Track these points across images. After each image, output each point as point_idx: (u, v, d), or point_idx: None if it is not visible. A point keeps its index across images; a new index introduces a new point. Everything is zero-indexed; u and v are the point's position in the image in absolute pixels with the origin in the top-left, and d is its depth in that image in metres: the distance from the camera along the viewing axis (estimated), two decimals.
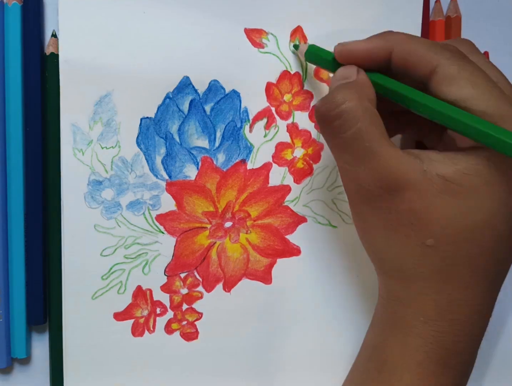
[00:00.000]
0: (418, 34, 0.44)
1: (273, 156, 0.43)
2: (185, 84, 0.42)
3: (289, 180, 0.43)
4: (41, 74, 0.42)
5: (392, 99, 0.34)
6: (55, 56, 0.41)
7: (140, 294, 0.42)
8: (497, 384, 0.49)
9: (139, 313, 0.43)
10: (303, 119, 0.43)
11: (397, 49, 0.34)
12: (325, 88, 0.43)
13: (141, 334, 0.43)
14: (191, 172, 0.42)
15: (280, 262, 0.44)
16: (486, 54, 0.46)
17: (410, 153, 0.33)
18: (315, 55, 0.39)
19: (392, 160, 0.32)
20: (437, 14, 0.45)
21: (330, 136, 0.34)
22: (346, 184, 0.35)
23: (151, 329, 0.43)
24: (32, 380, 0.44)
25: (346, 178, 0.35)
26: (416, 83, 0.34)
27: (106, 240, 0.42)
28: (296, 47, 0.42)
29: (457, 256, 0.33)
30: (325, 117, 0.33)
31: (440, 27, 0.45)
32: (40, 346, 0.44)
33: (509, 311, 0.49)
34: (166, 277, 0.43)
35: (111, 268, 0.42)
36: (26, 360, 0.44)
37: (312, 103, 0.43)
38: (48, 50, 0.41)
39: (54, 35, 0.41)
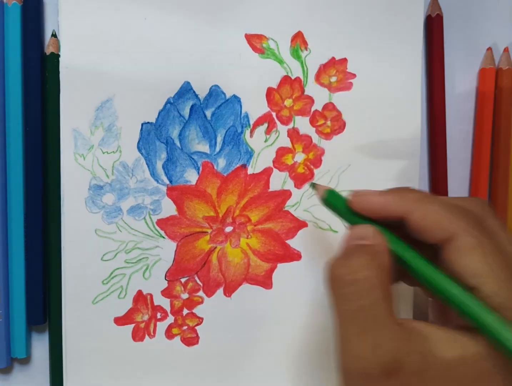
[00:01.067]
0: (420, 36, 0.44)
1: (273, 161, 0.43)
2: (186, 89, 0.42)
3: (289, 185, 0.43)
4: (41, 74, 0.42)
5: (403, 266, 0.33)
6: (55, 56, 0.41)
7: (141, 298, 0.42)
8: None
9: (139, 317, 0.43)
10: (303, 124, 0.43)
11: (412, 209, 0.33)
12: (325, 94, 0.43)
13: (141, 339, 0.43)
14: (191, 177, 0.42)
15: (281, 266, 0.44)
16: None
17: (412, 331, 0.31)
18: (331, 203, 0.36)
19: (396, 341, 0.30)
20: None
21: (340, 301, 0.32)
22: (342, 356, 0.32)
23: (152, 333, 0.43)
24: (32, 380, 0.44)
25: (344, 349, 0.32)
26: (428, 244, 0.33)
27: (106, 244, 0.42)
28: (313, 185, 0.38)
29: None
30: (338, 280, 0.32)
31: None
32: (40, 346, 0.44)
33: None
34: (166, 281, 0.43)
35: (111, 273, 0.42)
36: (26, 360, 0.44)
37: (313, 108, 0.43)
38: (48, 50, 0.41)
39: (54, 35, 0.41)
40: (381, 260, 0.32)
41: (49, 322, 0.43)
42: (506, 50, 0.46)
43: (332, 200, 0.36)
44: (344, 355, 0.32)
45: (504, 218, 0.46)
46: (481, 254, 0.31)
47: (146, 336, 0.43)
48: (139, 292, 0.42)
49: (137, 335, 0.43)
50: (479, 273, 0.31)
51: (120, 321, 0.42)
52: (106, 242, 0.42)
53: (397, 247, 0.33)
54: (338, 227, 0.44)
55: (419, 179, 0.44)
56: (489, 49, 0.46)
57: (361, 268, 0.31)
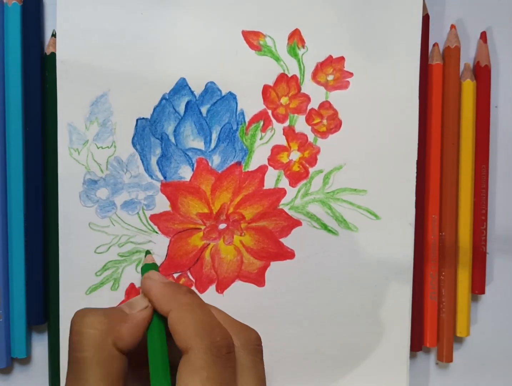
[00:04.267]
0: (418, 36, 0.43)
1: (268, 159, 0.43)
2: (182, 86, 0.42)
3: (284, 183, 0.43)
4: (41, 74, 0.42)
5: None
6: (55, 56, 0.41)
7: (133, 291, 0.43)
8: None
9: None
10: (299, 123, 0.43)
11: (171, 310, 0.35)
12: (322, 92, 0.43)
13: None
14: (186, 173, 0.42)
15: (274, 265, 0.44)
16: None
17: None
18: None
19: None
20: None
21: (70, 344, 0.34)
22: None
23: None
24: (31, 380, 0.45)
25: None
26: None
27: (100, 237, 0.42)
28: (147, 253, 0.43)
29: None
30: (70, 326, 0.34)
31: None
32: (40, 346, 0.45)
33: None
34: None
35: (104, 265, 0.42)
36: (26, 360, 0.45)
37: (309, 107, 0.43)
38: (49, 50, 0.42)
39: (54, 35, 0.42)
40: (126, 329, 0.34)
41: (48, 322, 0.44)
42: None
43: (142, 272, 0.39)
44: None
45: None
46: (203, 377, 0.32)
47: None
48: (132, 285, 0.43)
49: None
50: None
51: None
52: (99, 235, 0.42)
53: (151, 335, 0.35)
54: (332, 226, 0.44)
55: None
56: (436, 44, 0.45)
57: (92, 325, 0.33)
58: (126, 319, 0.35)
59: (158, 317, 0.36)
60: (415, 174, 0.44)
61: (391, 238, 0.44)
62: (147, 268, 0.39)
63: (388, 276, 0.44)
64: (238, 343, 0.35)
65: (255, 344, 0.36)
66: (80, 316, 0.34)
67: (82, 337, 0.33)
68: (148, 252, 0.42)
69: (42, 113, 0.42)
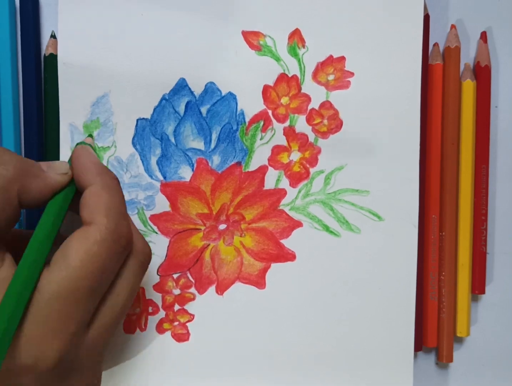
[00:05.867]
0: (419, 36, 0.43)
1: (269, 160, 0.43)
2: (182, 86, 0.42)
3: (285, 184, 0.43)
4: (38, 75, 0.42)
5: None
6: (54, 57, 0.41)
7: None
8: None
9: (131, 310, 0.43)
10: (300, 123, 0.43)
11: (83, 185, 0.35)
12: (323, 92, 0.43)
13: (132, 331, 0.43)
14: (186, 173, 0.42)
15: (275, 266, 0.43)
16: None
17: None
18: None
19: None
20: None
21: None
22: None
23: (143, 327, 0.43)
24: None
25: None
26: None
27: None
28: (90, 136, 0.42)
29: None
30: None
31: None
32: None
33: None
34: (158, 276, 0.43)
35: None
36: None
37: (309, 107, 0.43)
38: (47, 51, 0.42)
39: (53, 36, 0.42)
40: (27, 178, 0.33)
41: None
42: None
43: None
44: None
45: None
46: (91, 250, 0.32)
47: (137, 329, 0.43)
48: None
49: (128, 327, 0.43)
50: None
51: None
52: None
53: (52, 205, 0.35)
54: (334, 227, 0.44)
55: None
56: (436, 44, 0.45)
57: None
58: (41, 175, 0.34)
59: (66, 198, 0.35)
60: (418, 174, 0.43)
61: (394, 239, 0.44)
62: (79, 143, 0.39)
63: (392, 278, 0.44)
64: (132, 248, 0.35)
65: (144, 258, 0.36)
66: None
67: None
68: (90, 135, 0.42)
69: (42, 113, 0.42)
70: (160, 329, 0.43)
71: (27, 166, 0.34)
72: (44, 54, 0.42)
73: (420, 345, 0.46)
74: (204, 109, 0.42)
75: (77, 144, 0.40)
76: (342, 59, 0.43)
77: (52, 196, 0.35)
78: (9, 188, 0.32)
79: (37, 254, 0.32)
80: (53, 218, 0.34)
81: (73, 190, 0.36)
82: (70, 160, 0.37)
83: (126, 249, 0.34)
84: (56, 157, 0.42)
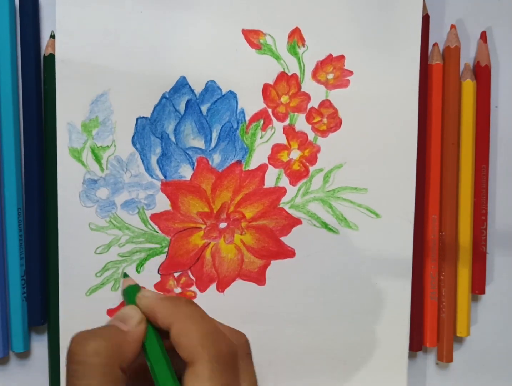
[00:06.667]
0: (418, 35, 0.43)
1: (269, 158, 0.43)
2: (182, 84, 0.42)
3: (285, 182, 0.43)
4: (38, 75, 0.42)
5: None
6: (53, 57, 0.42)
7: None
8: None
9: None
10: (299, 121, 0.43)
11: (174, 323, 0.35)
12: (322, 91, 0.43)
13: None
14: (186, 172, 0.42)
15: (274, 263, 0.44)
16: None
17: None
18: (127, 297, 0.39)
19: None
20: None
21: (68, 373, 0.33)
22: None
23: None
24: (30, 376, 0.45)
25: None
26: None
27: (100, 238, 0.42)
28: (124, 275, 0.43)
29: None
30: (72, 354, 0.33)
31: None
32: (40, 346, 0.45)
33: None
34: (159, 275, 0.43)
35: (105, 266, 0.42)
36: (25, 354, 0.45)
37: (309, 105, 0.43)
38: (47, 51, 0.42)
39: (53, 36, 0.42)
40: (123, 349, 0.33)
41: (48, 323, 0.44)
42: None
43: (128, 294, 0.39)
44: None
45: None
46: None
47: None
48: None
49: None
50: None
51: (113, 313, 0.43)
52: (99, 236, 0.42)
53: (151, 346, 0.35)
54: (333, 225, 0.44)
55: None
56: (436, 44, 0.46)
57: (92, 354, 0.32)
58: (126, 337, 0.34)
59: (153, 330, 0.36)
60: (414, 172, 0.44)
61: (391, 236, 0.44)
62: (130, 289, 0.39)
63: (388, 274, 0.44)
64: None
65: (245, 348, 0.36)
66: (80, 343, 0.33)
67: (86, 366, 0.32)
68: (125, 275, 0.42)
69: (41, 113, 0.42)
70: None
71: (115, 339, 0.34)
72: (44, 54, 0.42)
73: (420, 345, 0.46)
74: (204, 108, 0.42)
75: (126, 291, 0.39)
76: (341, 58, 0.43)
77: (141, 345, 0.35)
78: (111, 370, 0.32)
79: None
80: (166, 366, 0.34)
81: (153, 329, 0.36)
82: (130, 297, 0.38)
83: (234, 358, 0.34)
84: (55, 157, 0.42)
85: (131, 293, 0.38)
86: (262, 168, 0.43)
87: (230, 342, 0.34)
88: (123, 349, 0.33)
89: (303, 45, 0.42)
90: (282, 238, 0.44)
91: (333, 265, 0.44)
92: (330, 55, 0.43)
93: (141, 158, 0.42)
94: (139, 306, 0.37)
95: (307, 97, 0.43)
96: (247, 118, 0.43)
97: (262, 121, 0.43)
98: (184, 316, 0.34)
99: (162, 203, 0.42)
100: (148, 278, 0.43)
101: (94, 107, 0.41)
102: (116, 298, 0.43)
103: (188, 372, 0.33)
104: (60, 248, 0.42)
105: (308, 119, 0.43)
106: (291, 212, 0.43)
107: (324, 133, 0.43)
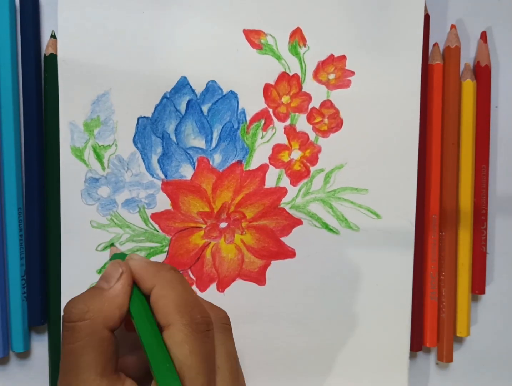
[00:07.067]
0: (420, 35, 0.43)
1: (269, 158, 0.43)
2: (183, 84, 0.42)
3: (285, 182, 0.43)
4: (38, 74, 0.42)
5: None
6: (54, 57, 0.42)
7: None
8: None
9: None
10: (300, 121, 0.43)
11: (154, 287, 0.35)
12: (323, 91, 0.43)
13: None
14: (187, 172, 0.42)
15: (275, 263, 0.44)
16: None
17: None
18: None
19: None
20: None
21: (62, 338, 0.34)
22: None
23: None
24: (30, 376, 0.45)
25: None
26: None
27: (101, 235, 0.42)
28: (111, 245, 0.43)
29: None
30: (64, 319, 0.34)
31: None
32: (40, 346, 0.45)
33: None
34: None
35: (106, 263, 0.42)
36: (25, 354, 0.45)
37: (310, 105, 0.43)
38: (48, 51, 0.42)
39: (53, 36, 0.42)
40: (109, 308, 0.34)
41: (48, 322, 0.44)
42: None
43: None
44: None
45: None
46: (185, 350, 0.33)
47: None
48: None
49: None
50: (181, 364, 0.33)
51: None
52: (100, 233, 0.42)
53: (136, 309, 0.35)
54: (334, 225, 0.44)
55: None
56: (436, 44, 0.46)
57: (81, 316, 0.33)
58: (107, 295, 0.34)
59: (139, 294, 0.35)
60: (416, 173, 0.44)
61: (392, 237, 0.44)
62: (117, 256, 0.39)
63: (389, 274, 0.44)
64: None
65: (223, 323, 0.37)
66: (66, 310, 0.34)
67: (73, 330, 0.33)
68: (112, 244, 0.42)
69: (42, 113, 0.42)
70: None
71: (97, 299, 0.34)
72: (44, 54, 0.42)
73: (420, 345, 0.46)
74: (205, 108, 0.42)
75: (112, 258, 0.39)
76: (342, 58, 0.43)
77: (128, 301, 0.35)
78: (96, 329, 0.33)
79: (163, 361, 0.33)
80: (150, 327, 0.34)
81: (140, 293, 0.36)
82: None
83: (209, 328, 0.34)
84: (56, 156, 0.42)
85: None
86: (263, 169, 0.43)
87: (206, 312, 0.35)
88: (106, 308, 0.34)
89: (305, 45, 0.43)
90: (282, 238, 0.44)
91: (333, 265, 0.44)
92: (332, 55, 0.43)
93: (142, 158, 0.42)
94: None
95: (308, 97, 0.43)
96: (248, 118, 0.43)
97: (263, 121, 0.43)
98: (165, 281, 0.35)
99: (163, 202, 0.42)
100: None
101: (96, 107, 0.41)
102: None
103: (164, 336, 0.33)
104: (63, 245, 0.42)
105: (309, 119, 0.43)
106: (292, 212, 0.43)
107: (325, 134, 0.43)
